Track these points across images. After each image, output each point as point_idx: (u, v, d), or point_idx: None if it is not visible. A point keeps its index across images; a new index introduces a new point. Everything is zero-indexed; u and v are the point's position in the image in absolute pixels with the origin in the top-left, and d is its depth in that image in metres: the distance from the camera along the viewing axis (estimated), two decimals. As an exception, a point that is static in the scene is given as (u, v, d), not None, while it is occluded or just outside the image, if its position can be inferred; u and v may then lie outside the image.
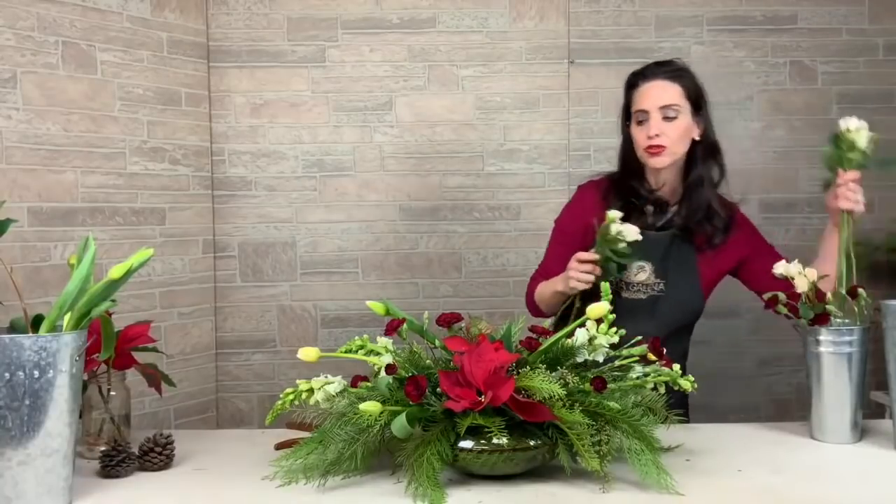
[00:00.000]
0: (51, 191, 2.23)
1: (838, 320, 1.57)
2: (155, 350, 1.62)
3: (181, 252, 2.59)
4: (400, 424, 1.24)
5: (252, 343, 2.76)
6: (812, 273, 1.57)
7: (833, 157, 1.66)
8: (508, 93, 2.75)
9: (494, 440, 1.24)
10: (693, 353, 2.85)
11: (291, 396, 1.40)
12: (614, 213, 1.63)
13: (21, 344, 1.17)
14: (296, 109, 2.74)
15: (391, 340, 1.44)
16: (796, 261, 1.59)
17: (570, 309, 1.70)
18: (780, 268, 1.60)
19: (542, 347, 1.35)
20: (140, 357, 1.57)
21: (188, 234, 2.61)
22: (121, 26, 2.39)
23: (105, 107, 2.36)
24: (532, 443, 1.26)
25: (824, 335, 1.54)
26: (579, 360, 1.37)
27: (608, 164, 2.76)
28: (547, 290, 1.78)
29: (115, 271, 1.21)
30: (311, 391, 1.39)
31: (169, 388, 1.62)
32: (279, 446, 1.52)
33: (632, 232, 1.61)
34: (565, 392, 1.25)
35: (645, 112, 1.74)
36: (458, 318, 1.43)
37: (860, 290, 1.56)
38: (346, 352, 1.44)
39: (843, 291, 1.53)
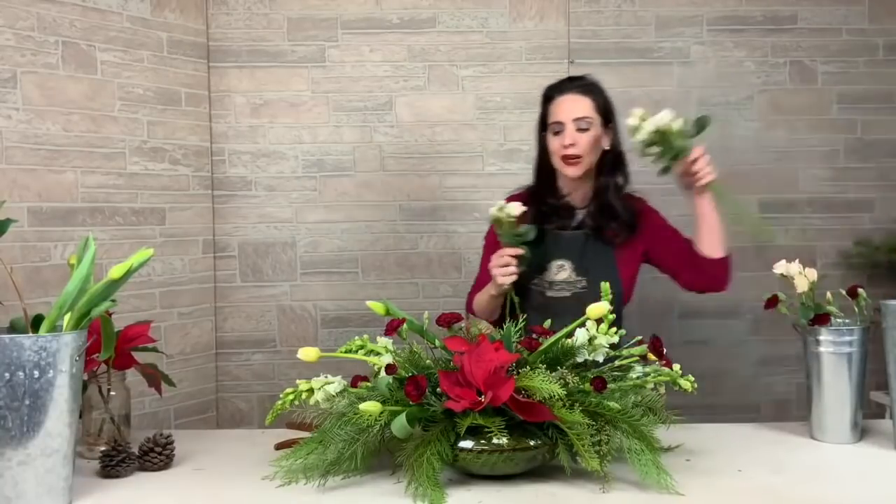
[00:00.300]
0: (51, 191, 2.23)
1: (838, 320, 1.57)
2: (155, 350, 1.63)
3: (181, 252, 2.59)
4: (400, 424, 1.24)
5: (252, 343, 2.76)
6: (812, 273, 1.57)
7: (668, 154, 1.76)
8: (508, 93, 2.75)
9: (494, 440, 1.24)
10: (693, 353, 2.86)
11: (291, 396, 1.40)
12: (498, 203, 1.75)
13: (21, 344, 1.17)
14: (296, 109, 2.74)
15: (391, 340, 1.44)
16: (796, 261, 1.60)
17: (512, 307, 1.78)
18: (780, 267, 1.60)
19: (542, 347, 1.35)
20: (140, 357, 1.57)
21: (188, 234, 2.61)
22: (121, 26, 2.39)
23: (105, 107, 2.36)
24: (532, 443, 1.26)
25: (824, 335, 1.54)
26: (579, 360, 1.37)
27: (608, 164, 2.78)
28: (483, 297, 1.87)
29: (115, 271, 1.21)
30: (311, 391, 1.39)
31: (169, 388, 1.62)
32: (279, 446, 1.52)
33: (515, 207, 1.73)
34: (565, 392, 1.25)
35: (560, 123, 1.86)
36: (458, 318, 1.43)
37: (860, 290, 1.56)
38: (346, 352, 1.44)
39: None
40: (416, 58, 2.75)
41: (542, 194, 1.93)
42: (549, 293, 1.87)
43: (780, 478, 1.33)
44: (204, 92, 2.66)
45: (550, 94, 1.92)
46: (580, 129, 1.85)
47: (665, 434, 1.41)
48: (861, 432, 1.56)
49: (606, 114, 1.91)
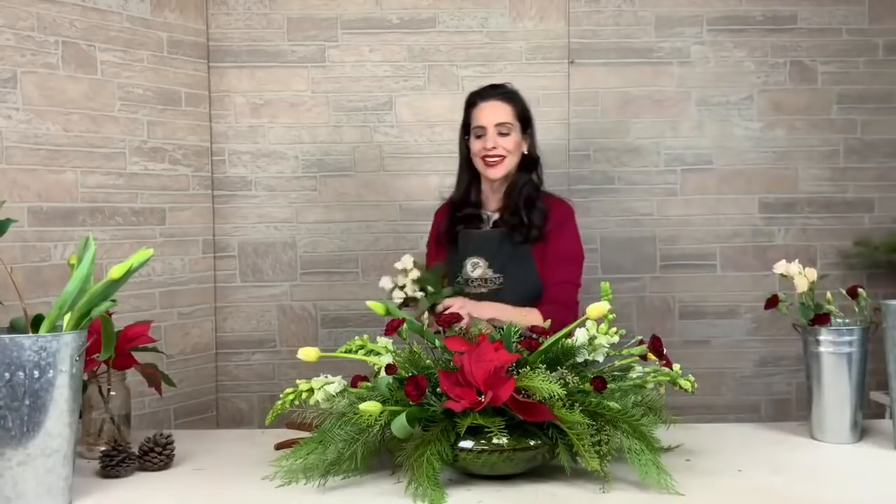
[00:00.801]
0: (51, 191, 2.23)
1: (839, 320, 1.57)
2: (155, 350, 1.63)
3: (181, 252, 2.59)
4: (400, 424, 1.24)
5: (252, 343, 2.76)
6: (812, 273, 1.57)
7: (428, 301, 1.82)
8: (508, 93, 2.75)
9: (494, 440, 1.24)
10: (693, 353, 2.86)
11: (291, 396, 1.40)
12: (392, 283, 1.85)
13: (21, 344, 1.17)
14: (296, 109, 2.74)
15: (391, 340, 1.44)
16: (796, 261, 1.60)
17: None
18: (780, 267, 1.60)
19: (542, 347, 1.35)
20: (140, 357, 1.57)
21: (188, 234, 2.61)
22: (121, 26, 2.39)
23: (105, 107, 2.36)
24: (532, 443, 1.26)
25: (824, 335, 1.54)
26: (579, 360, 1.37)
27: (608, 163, 2.78)
28: None
29: (115, 271, 1.21)
30: (311, 391, 1.39)
31: (169, 388, 1.62)
32: (279, 446, 1.52)
33: (405, 261, 1.84)
34: (565, 392, 1.25)
35: (483, 128, 1.97)
36: (459, 318, 1.43)
37: (860, 290, 1.56)
38: (346, 352, 1.44)
39: None
40: (416, 58, 2.75)
41: (459, 202, 2.05)
42: (467, 290, 1.94)
43: (780, 478, 1.33)
44: (204, 92, 2.66)
45: (473, 101, 2.02)
46: (501, 134, 1.96)
47: (665, 434, 1.41)
48: (861, 432, 1.56)
49: (525, 121, 2.01)
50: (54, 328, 1.23)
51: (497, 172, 1.97)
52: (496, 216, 2.04)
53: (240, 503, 1.27)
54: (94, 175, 2.33)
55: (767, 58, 2.79)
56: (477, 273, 1.96)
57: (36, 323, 1.27)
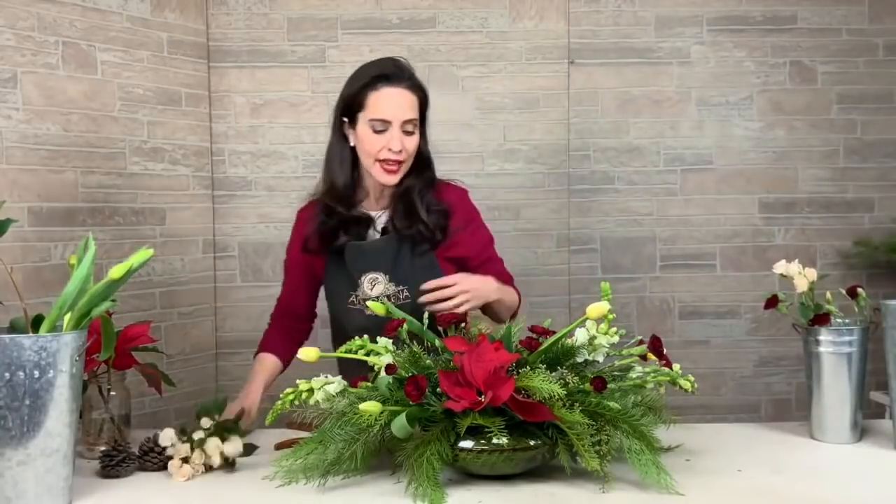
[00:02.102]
0: (51, 191, 2.23)
1: (839, 320, 1.57)
2: (155, 350, 1.63)
3: (181, 252, 2.59)
4: (400, 424, 1.24)
5: (252, 343, 2.72)
6: (812, 273, 1.57)
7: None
8: (508, 93, 2.75)
9: (494, 440, 1.24)
10: (693, 353, 2.85)
11: (291, 396, 1.40)
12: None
13: (21, 344, 1.17)
14: (296, 109, 2.74)
15: (391, 340, 1.44)
16: (796, 261, 1.60)
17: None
18: (780, 267, 1.60)
19: (542, 347, 1.35)
20: (140, 357, 1.57)
21: (188, 234, 2.61)
22: (121, 26, 2.39)
23: (105, 107, 2.36)
24: (532, 443, 1.26)
25: (824, 335, 1.54)
26: (579, 360, 1.37)
27: (608, 163, 2.78)
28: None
29: (115, 271, 1.21)
30: (311, 391, 1.39)
31: (169, 388, 1.62)
32: (279, 446, 1.52)
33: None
34: (565, 392, 1.25)
35: (386, 122, 1.61)
36: (460, 318, 1.43)
37: (860, 290, 1.56)
38: (346, 352, 1.44)
39: None
40: (416, 58, 2.75)
41: (337, 202, 1.69)
42: (369, 312, 1.57)
43: (780, 478, 1.33)
44: (204, 92, 2.66)
45: (374, 83, 1.62)
46: (406, 132, 1.63)
47: (665, 434, 1.41)
48: (861, 432, 1.56)
49: (425, 112, 1.70)
50: (54, 328, 1.23)
51: (395, 178, 1.65)
52: (382, 218, 1.72)
53: (240, 503, 1.27)
54: (94, 175, 2.33)
55: (767, 58, 2.79)
56: (378, 290, 1.65)
57: (36, 323, 1.27)
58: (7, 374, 1.16)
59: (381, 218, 1.73)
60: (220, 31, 2.69)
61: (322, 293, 1.84)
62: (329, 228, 1.70)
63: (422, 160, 1.71)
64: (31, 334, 1.22)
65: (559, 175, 2.77)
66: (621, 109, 2.78)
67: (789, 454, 1.47)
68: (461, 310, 1.57)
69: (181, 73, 2.57)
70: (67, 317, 1.22)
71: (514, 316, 1.76)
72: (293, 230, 1.84)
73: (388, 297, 1.66)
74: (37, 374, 1.17)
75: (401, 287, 1.68)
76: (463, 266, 1.75)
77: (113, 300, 1.24)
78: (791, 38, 2.79)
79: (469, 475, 1.32)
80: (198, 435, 1.38)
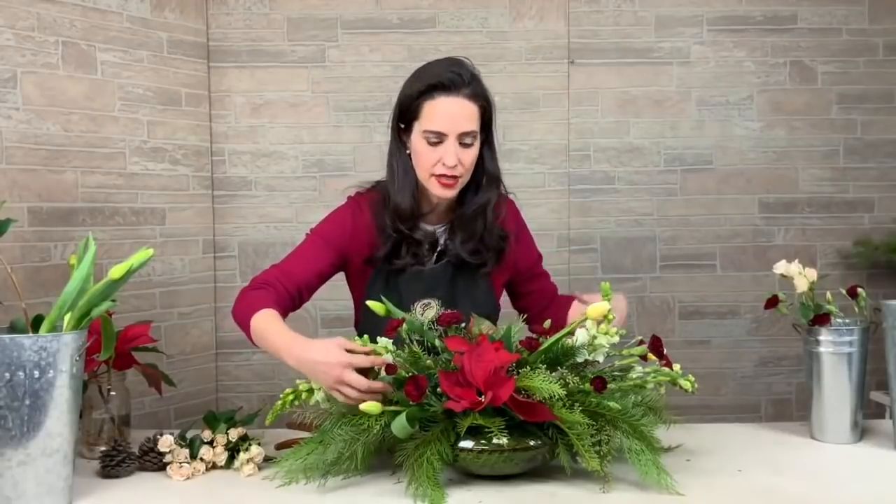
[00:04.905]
0: (51, 191, 2.23)
1: (839, 320, 1.57)
2: (155, 350, 1.63)
3: (181, 252, 2.59)
4: (400, 424, 1.24)
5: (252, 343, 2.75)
6: (812, 273, 1.57)
7: None
8: (508, 93, 2.75)
9: (494, 440, 1.24)
10: (693, 353, 2.85)
11: (291, 396, 1.40)
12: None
13: (21, 344, 1.17)
14: (296, 109, 2.74)
15: (391, 340, 1.44)
16: (796, 261, 1.60)
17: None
18: (780, 267, 1.60)
19: (542, 347, 1.35)
20: (140, 357, 1.57)
21: (188, 234, 2.61)
22: (121, 26, 2.39)
23: (105, 107, 2.36)
24: (532, 443, 1.26)
25: (824, 335, 1.54)
26: (579, 360, 1.37)
27: (608, 164, 2.78)
28: (270, 334, 1.43)
29: (115, 271, 1.21)
30: (310, 391, 1.39)
31: (169, 388, 1.63)
32: (279, 446, 1.52)
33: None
34: (565, 392, 1.25)
35: (442, 135, 1.50)
36: (459, 318, 1.43)
37: (860, 290, 1.56)
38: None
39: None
40: (416, 58, 2.74)
41: (397, 222, 1.58)
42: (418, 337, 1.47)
43: (780, 478, 1.34)
44: (204, 92, 2.66)
45: (431, 91, 1.51)
46: (464, 145, 1.51)
47: (665, 434, 1.42)
48: (861, 432, 1.56)
49: (488, 122, 1.58)
50: (54, 328, 1.23)
51: (451, 193, 1.55)
52: (442, 237, 1.63)
53: (240, 503, 1.27)
54: (94, 175, 2.33)
55: (767, 58, 2.79)
56: (429, 315, 1.52)
57: (36, 323, 1.27)
58: (7, 374, 1.16)
59: (441, 236, 1.63)
60: (220, 31, 2.69)
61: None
62: (390, 249, 1.59)
63: (487, 176, 1.60)
64: (31, 334, 1.22)
65: (559, 175, 2.77)
66: (621, 109, 2.78)
67: (789, 454, 1.48)
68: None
69: (181, 73, 2.57)
70: (67, 317, 1.22)
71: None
72: (341, 216, 1.66)
73: (436, 322, 1.50)
74: (37, 374, 1.17)
75: (449, 310, 1.54)
76: (512, 282, 1.72)
77: (113, 300, 1.24)
78: (791, 38, 2.79)
79: (469, 475, 1.32)
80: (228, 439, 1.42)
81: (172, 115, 2.54)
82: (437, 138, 1.50)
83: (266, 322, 1.44)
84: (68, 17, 2.25)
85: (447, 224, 1.64)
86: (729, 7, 2.78)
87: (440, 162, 1.50)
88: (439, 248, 1.63)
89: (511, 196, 1.72)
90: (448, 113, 1.49)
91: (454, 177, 1.52)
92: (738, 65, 2.79)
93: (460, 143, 1.51)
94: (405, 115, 1.56)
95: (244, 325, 1.48)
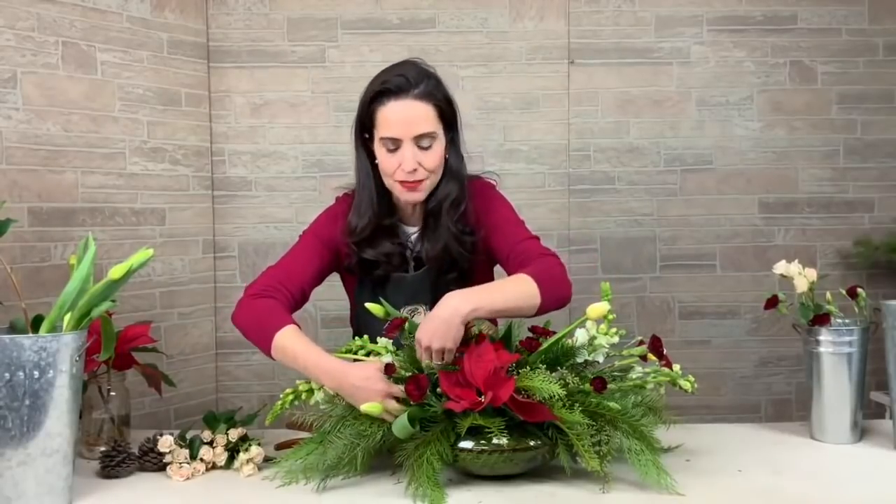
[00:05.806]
0: (51, 191, 2.23)
1: (839, 320, 1.57)
2: (155, 350, 1.63)
3: (181, 252, 2.59)
4: (401, 425, 1.24)
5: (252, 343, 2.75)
6: (812, 273, 1.57)
7: None
8: (508, 93, 2.75)
9: (494, 440, 1.24)
10: (693, 353, 2.85)
11: (291, 397, 1.40)
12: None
13: (21, 344, 1.17)
14: (296, 109, 2.74)
15: (391, 340, 1.44)
16: (796, 261, 1.60)
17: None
18: (780, 267, 1.60)
19: (542, 348, 1.35)
20: (140, 357, 1.57)
21: (188, 234, 2.61)
22: (121, 26, 2.39)
23: (105, 107, 2.36)
24: (532, 443, 1.26)
25: (824, 335, 1.54)
26: (579, 360, 1.37)
27: (608, 164, 2.78)
28: (296, 359, 1.41)
29: (115, 271, 1.21)
30: (310, 391, 1.39)
31: (169, 388, 1.63)
32: (279, 446, 1.52)
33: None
34: (565, 392, 1.25)
35: (396, 140, 1.49)
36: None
37: (860, 290, 1.56)
38: (346, 352, 1.44)
39: None
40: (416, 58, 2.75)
41: (371, 233, 1.58)
42: (407, 342, 1.43)
43: (780, 478, 1.34)
44: (204, 92, 2.66)
45: (381, 97, 1.51)
46: (422, 148, 1.50)
47: (665, 434, 1.42)
48: (861, 432, 1.56)
49: (450, 118, 1.57)
50: (54, 328, 1.23)
51: (418, 196, 1.54)
52: (417, 244, 1.62)
53: (240, 503, 1.27)
54: (94, 175, 2.33)
55: (767, 58, 2.79)
56: (418, 319, 1.54)
57: (36, 323, 1.27)
58: (7, 375, 1.16)
59: (417, 243, 1.63)
60: (220, 31, 2.69)
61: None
62: (368, 259, 1.59)
63: (448, 172, 1.59)
64: (31, 334, 1.22)
65: (559, 175, 2.77)
66: (621, 109, 2.78)
67: (789, 454, 1.48)
68: (446, 358, 1.33)
69: (181, 73, 2.57)
70: (67, 317, 1.22)
71: (552, 295, 1.47)
72: (332, 214, 1.66)
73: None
74: (37, 374, 1.17)
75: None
76: (499, 263, 1.65)
77: (113, 300, 1.24)
78: (791, 38, 2.79)
79: (469, 475, 1.32)
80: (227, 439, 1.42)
81: (172, 116, 2.54)
82: (394, 144, 1.50)
83: (292, 341, 1.43)
84: (68, 17, 2.26)
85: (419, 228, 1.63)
86: (729, 7, 2.78)
87: (400, 167, 1.50)
88: (415, 254, 1.62)
89: (493, 179, 1.70)
90: (399, 118, 1.49)
91: (417, 181, 1.51)
92: (738, 65, 2.79)
93: (418, 146, 1.50)
94: (365, 125, 1.56)
95: (262, 341, 1.47)
